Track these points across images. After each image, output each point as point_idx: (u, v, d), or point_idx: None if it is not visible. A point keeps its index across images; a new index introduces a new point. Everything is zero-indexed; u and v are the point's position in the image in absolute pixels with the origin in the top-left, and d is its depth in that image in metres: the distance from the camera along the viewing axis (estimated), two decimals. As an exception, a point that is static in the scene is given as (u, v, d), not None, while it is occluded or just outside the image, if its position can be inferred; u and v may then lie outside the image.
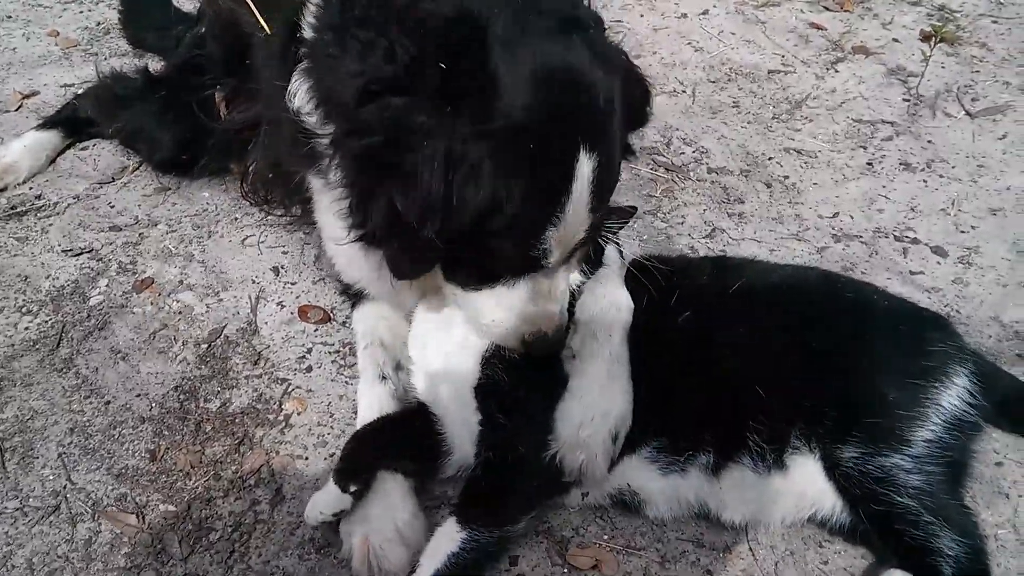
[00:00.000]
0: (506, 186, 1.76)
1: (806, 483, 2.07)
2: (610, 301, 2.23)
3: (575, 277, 2.22)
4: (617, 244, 2.45)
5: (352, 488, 2.06)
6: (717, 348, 2.17)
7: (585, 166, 1.79)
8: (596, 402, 2.09)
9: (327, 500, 2.07)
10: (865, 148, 3.63)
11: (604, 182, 1.87)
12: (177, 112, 3.15)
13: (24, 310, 2.80)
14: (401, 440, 2.23)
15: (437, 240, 1.80)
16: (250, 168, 2.96)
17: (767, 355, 2.14)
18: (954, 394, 2.06)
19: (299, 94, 2.05)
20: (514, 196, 1.77)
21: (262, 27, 2.43)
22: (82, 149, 3.52)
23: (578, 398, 2.11)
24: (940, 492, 1.97)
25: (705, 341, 2.18)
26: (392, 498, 2.14)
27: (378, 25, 1.84)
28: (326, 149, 1.97)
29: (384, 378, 2.40)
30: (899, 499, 1.94)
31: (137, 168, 3.42)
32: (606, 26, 2.09)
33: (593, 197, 1.84)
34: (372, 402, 2.37)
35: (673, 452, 2.10)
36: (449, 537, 2.00)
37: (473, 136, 1.73)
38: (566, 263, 2.04)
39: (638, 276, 2.30)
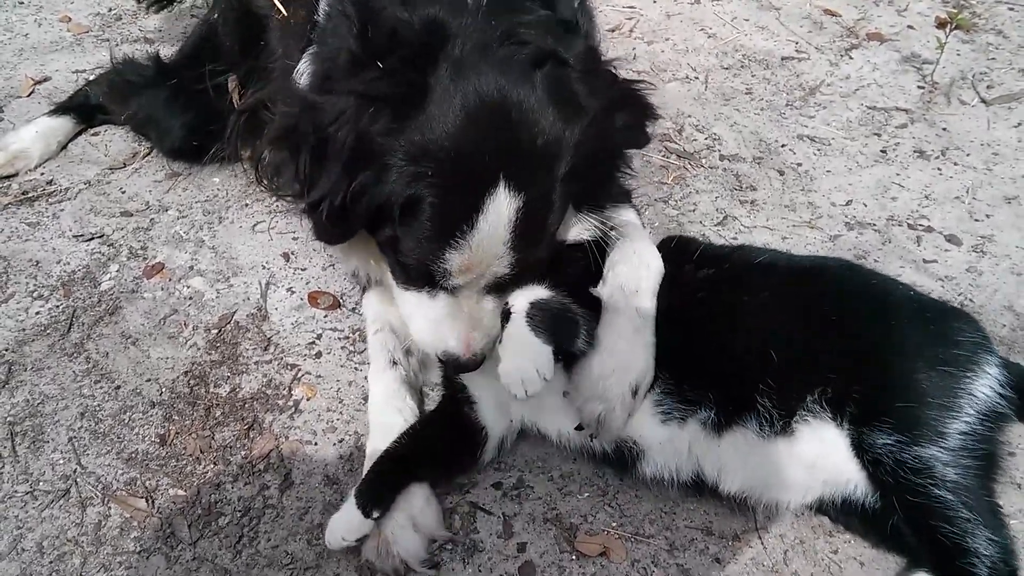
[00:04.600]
0: (411, 194, 1.81)
1: (820, 455, 2.04)
2: (640, 259, 2.23)
3: (587, 234, 2.24)
4: (637, 212, 2.48)
5: (375, 514, 2.04)
6: (731, 308, 2.19)
7: (502, 202, 1.79)
8: (618, 356, 2.09)
9: (349, 526, 2.04)
10: (879, 135, 3.60)
11: (531, 224, 1.87)
12: (188, 100, 3.17)
13: (35, 295, 2.81)
14: (432, 450, 2.22)
15: (347, 219, 1.93)
16: (262, 151, 2.95)
17: (784, 321, 2.14)
18: (987, 384, 2.03)
19: (305, 75, 2.09)
20: (419, 207, 1.82)
21: (278, 9, 2.43)
22: (93, 135, 3.53)
23: (601, 350, 2.12)
24: (975, 487, 1.94)
25: (720, 300, 2.21)
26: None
27: (359, 23, 1.91)
28: None
29: (395, 363, 2.40)
30: (937, 492, 1.90)
31: (148, 154, 3.42)
32: (603, 56, 2.10)
33: (515, 236, 1.85)
34: (384, 388, 2.37)
35: (674, 400, 2.11)
36: None
37: (386, 137, 1.79)
38: (493, 292, 2.04)
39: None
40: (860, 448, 2.00)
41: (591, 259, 2.21)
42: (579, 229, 2.22)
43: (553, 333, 2.07)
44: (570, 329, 2.12)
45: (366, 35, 1.88)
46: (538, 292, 2.11)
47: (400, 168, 1.80)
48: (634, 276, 2.19)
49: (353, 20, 1.91)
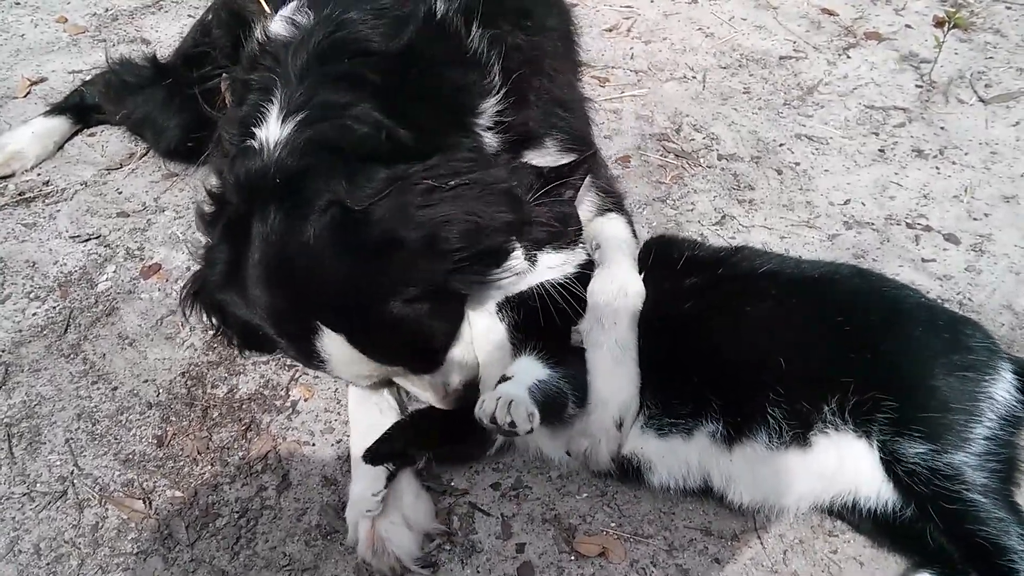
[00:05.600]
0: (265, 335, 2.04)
1: (838, 466, 2.02)
2: (618, 286, 2.21)
3: (575, 256, 2.22)
4: (628, 220, 2.46)
5: (389, 465, 2.08)
6: (729, 316, 2.16)
7: (331, 341, 1.89)
8: (599, 391, 2.09)
9: (365, 484, 2.07)
10: (877, 135, 3.60)
11: (375, 341, 1.93)
12: (183, 100, 3.14)
13: (32, 296, 2.80)
14: (443, 425, 2.21)
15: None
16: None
17: (792, 329, 2.11)
18: (1003, 388, 2.02)
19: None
20: (279, 344, 2.05)
21: (266, 13, 2.43)
22: (90, 135, 3.53)
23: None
24: (1003, 488, 1.94)
25: (714, 308, 2.17)
26: (396, 482, 2.14)
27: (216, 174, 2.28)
28: None
29: None
30: (970, 495, 1.90)
31: (145, 154, 3.42)
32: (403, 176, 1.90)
33: (368, 353, 1.93)
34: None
35: (669, 416, 2.08)
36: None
37: (223, 295, 2.04)
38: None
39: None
40: (894, 459, 1.98)
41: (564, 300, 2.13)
42: (542, 275, 2.14)
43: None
44: (557, 406, 2.07)
45: (203, 206, 2.13)
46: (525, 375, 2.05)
47: (241, 316, 2.02)
48: (611, 307, 2.18)
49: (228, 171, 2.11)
